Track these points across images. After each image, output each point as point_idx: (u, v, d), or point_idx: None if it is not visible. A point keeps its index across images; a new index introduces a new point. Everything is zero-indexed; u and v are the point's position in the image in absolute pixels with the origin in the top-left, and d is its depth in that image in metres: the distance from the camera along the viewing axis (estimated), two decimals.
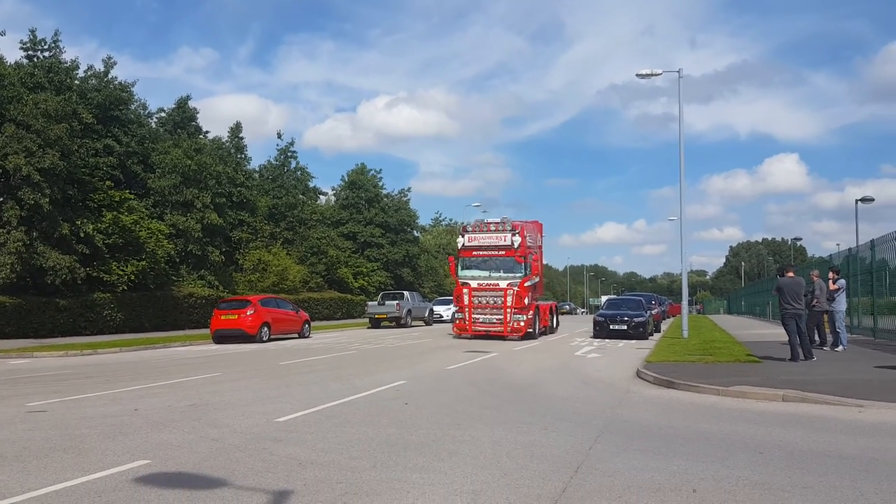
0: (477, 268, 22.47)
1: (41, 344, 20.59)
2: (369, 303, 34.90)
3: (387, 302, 32.74)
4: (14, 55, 28.86)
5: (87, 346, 19.10)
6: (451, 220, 70.46)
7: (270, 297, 25.55)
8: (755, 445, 6.28)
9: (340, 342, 21.81)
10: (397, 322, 31.94)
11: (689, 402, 8.98)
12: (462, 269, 22.63)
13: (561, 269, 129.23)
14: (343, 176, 52.59)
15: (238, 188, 36.66)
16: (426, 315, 34.99)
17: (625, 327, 22.28)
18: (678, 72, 21.17)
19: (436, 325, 33.45)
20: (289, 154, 47.54)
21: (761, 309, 42.72)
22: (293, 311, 24.85)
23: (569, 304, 79.77)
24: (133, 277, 26.88)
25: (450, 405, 8.77)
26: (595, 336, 22.66)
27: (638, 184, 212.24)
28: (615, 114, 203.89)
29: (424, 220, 70.24)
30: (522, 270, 21.76)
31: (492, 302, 21.82)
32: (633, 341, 20.95)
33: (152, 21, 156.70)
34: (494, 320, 21.77)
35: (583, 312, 77.42)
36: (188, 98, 37.59)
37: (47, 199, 22.72)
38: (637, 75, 21.11)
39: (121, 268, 26.65)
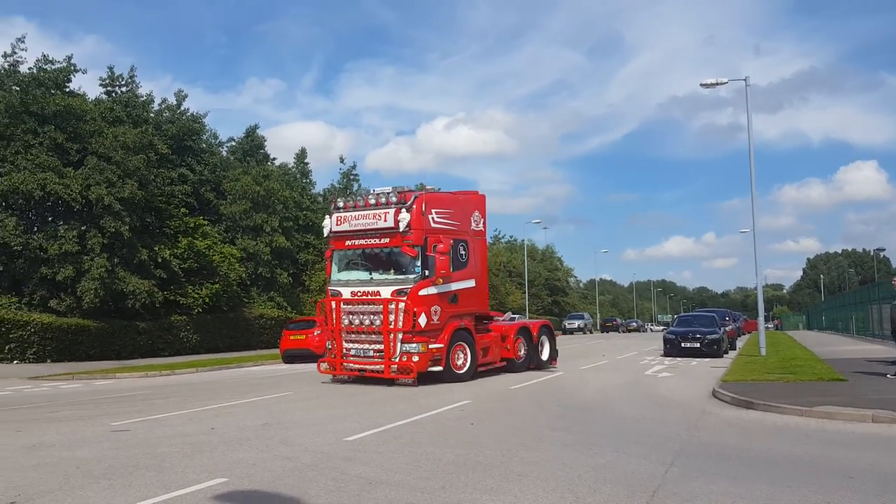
0: (357, 266, 14.44)
1: (123, 365, 21.58)
2: None
3: None
4: (95, 91, 30.75)
5: (165, 367, 19.88)
6: (511, 237, 69.98)
7: None
8: (844, 469, 5.92)
9: None
10: None
11: (771, 424, 8.57)
12: (339, 269, 14.57)
13: (626, 285, 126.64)
14: None
15: (304, 212, 37.79)
16: None
17: (697, 345, 21.54)
18: (745, 80, 20.49)
19: None
20: (351, 177, 48.60)
21: (844, 324, 40.47)
22: None
23: (636, 322, 77.82)
24: (207, 300, 28.00)
25: (516, 425, 8.67)
26: (666, 354, 21.98)
27: (705, 196, 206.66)
28: (678, 125, 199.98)
29: None
30: (419, 269, 13.37)
31: (367, 322, 13.63)
32: (707, 359, 20.21)
33: (221, 55, 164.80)
34: (371, 352, 13.65)
35: (659, 329, 74.89)
36: (256, 127, 39.23)
37: (127, 227, 23.95)
38: (701, 85, 20.51)
39: (196, 291, 27.81)
